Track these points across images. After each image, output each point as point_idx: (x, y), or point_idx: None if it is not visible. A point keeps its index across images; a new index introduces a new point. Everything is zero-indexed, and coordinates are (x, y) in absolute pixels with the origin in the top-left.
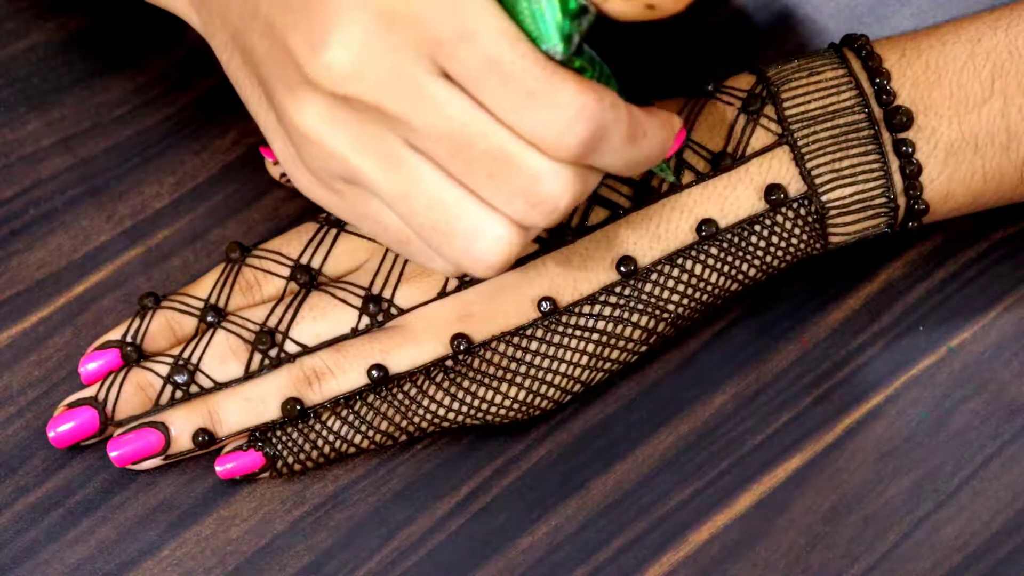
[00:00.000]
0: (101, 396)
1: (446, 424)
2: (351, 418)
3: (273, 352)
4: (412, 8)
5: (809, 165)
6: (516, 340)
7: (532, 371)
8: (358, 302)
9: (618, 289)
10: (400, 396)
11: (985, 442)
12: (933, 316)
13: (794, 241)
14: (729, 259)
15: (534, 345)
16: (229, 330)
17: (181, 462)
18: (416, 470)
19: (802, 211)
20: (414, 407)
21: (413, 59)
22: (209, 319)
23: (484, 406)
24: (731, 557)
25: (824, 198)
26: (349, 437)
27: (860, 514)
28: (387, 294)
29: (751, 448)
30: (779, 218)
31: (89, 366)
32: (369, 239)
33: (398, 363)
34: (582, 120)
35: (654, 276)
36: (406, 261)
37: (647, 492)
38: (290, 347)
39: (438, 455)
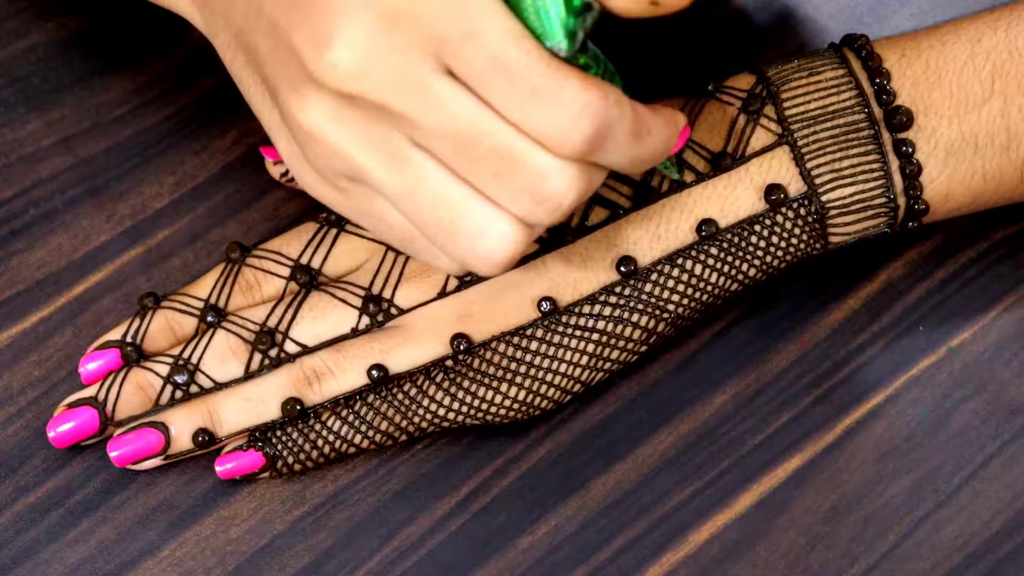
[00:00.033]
0: (101, 396)
1: (446, 424)
2: (351, 418)
3: (273, 352)
4: (416, 6)
5: (809, 165)
6: (516, 340)
7: (532, 371)
8: (358, 302)
9: (618, 289)
10: (400, 396)
11: (985, 442)
12: (933, 316)
13: (794, 241)
14: (729, 259)
15: (534, 345)
16: (229, 330)
17: (181, 462)
18: (416, 470)
19: (802, 211)
20: (414, 407)
21: (418, 57)
22: (209, 319)
23: (484, 406)
24: (731, 557)
25: (824, 198)
26: (349, 437)
27: (860, 514)
28: (387, 294)
29: (751, 448)
30: (779, 218)
31: (89, 366)
32: (369, 239)
33: (398, 363)
34: (587, 117)
35: (654, 276)
36: (406, 261)
37: (647, 492)
38: (290, 347)
39: (438, 455)
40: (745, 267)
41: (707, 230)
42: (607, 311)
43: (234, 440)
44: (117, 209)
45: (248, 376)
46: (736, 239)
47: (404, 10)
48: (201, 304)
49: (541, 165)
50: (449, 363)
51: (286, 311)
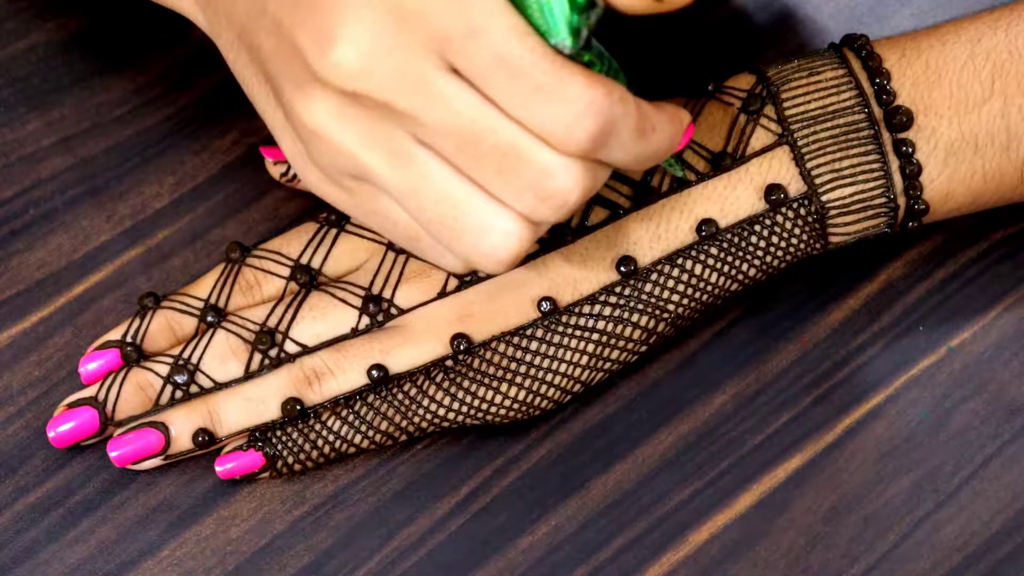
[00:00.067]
0: (101, 396)
1: (446, 424)
2: (351, 418)
3: (273, 352)
4: (420, 4)
5: (809, 165)
6: (516, 340)
7: (532, 371)
8: (358, 302)
9: (618, 289)
10: (400, 396)
11: (985, 442)
12: (933, 316)
13: (794, 241)
14: (729, 259)
15: (534, 345)
16: (229, 330)
17: (181, 462)
18: (416, 470)
19: (802, 211)
20: (414, 407)
21: (422, 55)
22: (209, 319)
23: (484, 406)
24: (731, 557)
25: (824, 198)
26: (349, 437)
27: (860, 514)
28: (387, 294)
29: (751, 448)
30: (779, 218)
31: (89, 366)
32: (369, 239)
33: (398, 363)
34: (591, 114)
35: (654, 276)
36: (406, 261)
37: (647, 492)
38: (290, 347)
39: (438, 455)
40: (745, 267)
41: (707, 230)
42: (607, 311)
43: (234, 440)
44: (117, 209)
45: (248, 376)
46: (736, 239)
47: (408, 8)
48: (201, 304)
49: (545, 162)
50: (449, 363)
51: (286, 311)
